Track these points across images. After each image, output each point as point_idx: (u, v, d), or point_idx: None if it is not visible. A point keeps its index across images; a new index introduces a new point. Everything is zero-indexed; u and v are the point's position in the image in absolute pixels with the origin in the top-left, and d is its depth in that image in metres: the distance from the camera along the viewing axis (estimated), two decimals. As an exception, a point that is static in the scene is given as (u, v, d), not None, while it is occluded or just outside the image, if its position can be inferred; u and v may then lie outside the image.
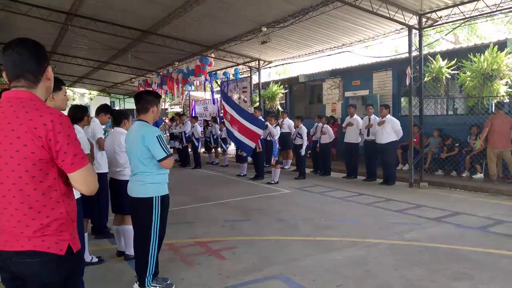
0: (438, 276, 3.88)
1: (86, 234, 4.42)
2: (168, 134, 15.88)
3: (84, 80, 22.18)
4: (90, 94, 28.28)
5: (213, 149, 13.67)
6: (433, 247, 4.71)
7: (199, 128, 12.47)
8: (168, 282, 3.81)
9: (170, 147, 15.20)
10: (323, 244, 4.95)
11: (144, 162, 3.50)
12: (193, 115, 16.45)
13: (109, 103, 31.36)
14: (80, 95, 28.88)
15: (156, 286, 3.68)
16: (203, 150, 15.04)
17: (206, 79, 15.42)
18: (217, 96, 15.99)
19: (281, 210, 6.76)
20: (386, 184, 8.83)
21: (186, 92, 16.67)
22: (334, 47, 11.26)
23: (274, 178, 9.38)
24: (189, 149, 13.10)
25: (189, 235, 5.47)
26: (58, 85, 3.15)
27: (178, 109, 22.86)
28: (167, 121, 16.62)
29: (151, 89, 17.55)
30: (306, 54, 12.43)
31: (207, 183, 9.90)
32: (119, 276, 4.14)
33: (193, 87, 16.61)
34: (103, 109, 5.31)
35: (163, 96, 17.18)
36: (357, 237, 5.18)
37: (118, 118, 4.64)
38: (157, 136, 3.44)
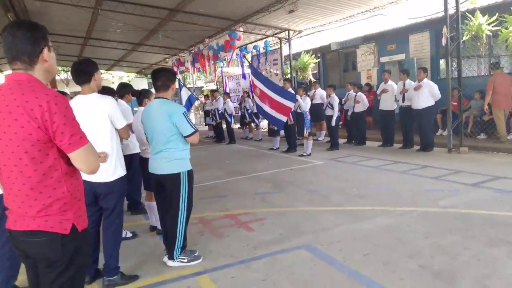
0: (472, 242, 3.73)
1: (120, 211, 4.61)
2: (202, 112, 16.05)
3: (121, 63, 22.68)
4: (128, 76, 28.90)
5: (248, 124, 13.68)
6: (469, 213, 4.51)
7: (230, 104, 12.49)
8: (196, 254, 3.90)
9: (206, 124, 15.48)
10: (354, 214, 4.87)
11: (170, 138, 3.53)
12: (226, 91, 16.49)
13: (146, 85, 32.07)
14: (119, 78, 29.58)
15: (184, 259, 3.79)
16: (238, 125, 15.10)
17: (237, 54, 15.33)
18: (248, 71, 15.88)
19: (313, 181, 6.70)
20: (424, 151, 8.51)
21: (219, 69, 16.66)
22: (366, 11, 10.76)
23: (307, 150, 9.28)
24: (224, 125, 13.21)
25: (220, 208, 5.56)
26: (97, 65, 3.40)
27: (213, 86, 22.98)
28: (202, 99, 16.76)
29: (184, 68, 17.74)
30: (336, 21, 11.99)
31: (240, 157, 9.98)
32: (152, 250, 4.27)
33: (225, 63, 16.58)
34: (126, 88, 5.37)
35: (195, 74, 17.28)
36: (389, 205, 5.05)
37: (140, 98, 4.71)
38: (183, 113, 3.51)
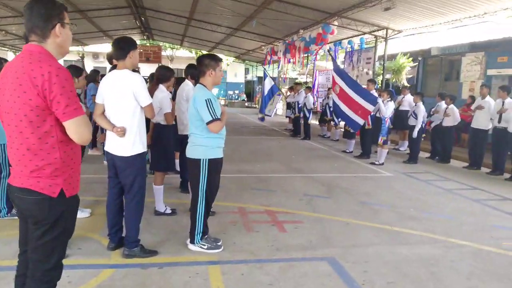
0: (519, 297, 3.18)
1: (162, 187, 4.81)
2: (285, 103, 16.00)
3: (221, 46, 23.50)
4: (227, 60, 29.91)
5: (328, 122, 13.29)
6: (532, 263, 3.85)
7: (311, 99, 12.18)
8: (218, 243, 3.91)
9: (286, 116, 15.37)
10: (397, 236, 4.47)
11: (195, 124, 3.59)
12: (314, 85, 16.19)
13: (243, 70, 32.81)
14: (219, 60, 30.78)
15: (204, 245, 3.83)
16: (317, 121, 14.78)
17: (330, 48, 14.91)
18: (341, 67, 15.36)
19: (370, 193, 6.28)
20: (514, 181, 7.46)
21: (310, 62, 16.37)
22: (474, 16, 9.62)
23: (379, 159, 8.72)
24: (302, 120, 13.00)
25: (262, 202, 5.51)
26: (135, 44, 3.51)
27: (305, 78, 22.73)
28: (283, 90, 16.67)
29: (276, 57, 17.78)
30: (440, 24, 10.93)
31: (308, 155, 9.74)
32: (183, 230, 4.29)
33: (318, 56, 16.24)
34: (190, 68, 5.50)
35: (286, 64, 17.22)
36: (441, 234, 4.53)
37: (196, 81, 4.81)
38: (206, 99, 3.47)
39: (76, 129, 1.94)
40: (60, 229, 2.05)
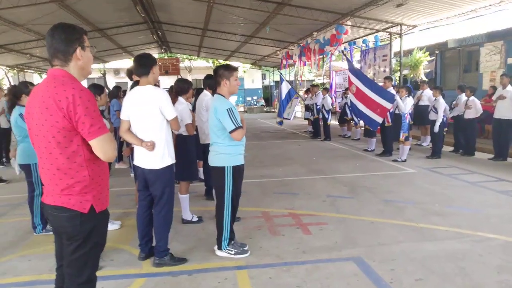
0: (551, 288, 3.14)
1: (187, 195, 4.94)
2: (303, 106, 15.99)
3: (237, 54, 23.76)
4: (244, 67, 30.15)
5: (348, 122, 13.24)
6: None
7: (329, 100, 12.17)
8: (245, 248, 3.99)
9: (305, 118, 15.38)
10: (423, 232, 4.46)
11: (217, 133, 3.70)
12: (331, 86, 16.17)
13: (260, 76, 32.99)
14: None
15: (231, 251, 3.92)
16: (337, 122, 14.74)
17: (345, 48, 14.89)
18: (357, 66, 15.29)
19: (394, 190, 6.26)
20: (542, 171, 7.29)
21: (326, 63, 16.36)
22: (490, 5, 9.47)
23: (402, 155, 8.66)
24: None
25: (286, 206, 5.57)
26: (155, 60, 3.66)
27: (322, 80, 22.70)
28: (301, 93, 16.69)
29: (292, 61, 17.84)
30: (455, 16, 10.80)
31: (329, 156, 9.75)
32: (210, 236, 4.42)
33: (334, 57, 16.22)
34: (207, 80, 5.64)
35: (302, 67, 17.26)
36: (468, 228, 4.49)
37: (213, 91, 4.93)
38: (227, 109, 3.58)
39: (102, 147, 2.05)
40: (92, 243, 2.15)
